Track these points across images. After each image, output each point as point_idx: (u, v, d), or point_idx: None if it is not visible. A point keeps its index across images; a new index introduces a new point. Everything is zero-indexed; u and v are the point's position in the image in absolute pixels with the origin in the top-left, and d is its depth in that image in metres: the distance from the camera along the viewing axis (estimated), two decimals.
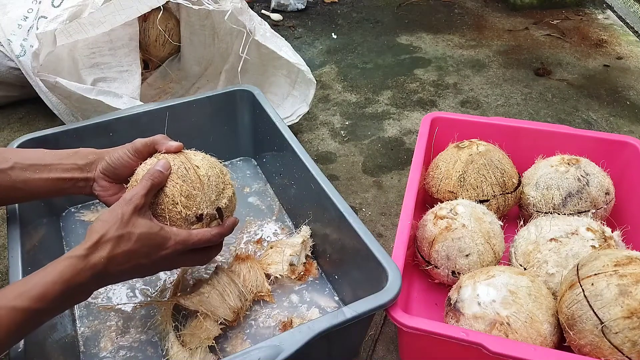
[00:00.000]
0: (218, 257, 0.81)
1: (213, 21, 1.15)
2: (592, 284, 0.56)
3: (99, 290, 0.76)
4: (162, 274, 0.78)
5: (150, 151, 0.64)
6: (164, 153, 0.63)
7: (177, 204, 0.59)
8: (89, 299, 0.74)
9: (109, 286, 0.76)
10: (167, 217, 0.59)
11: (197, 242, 0.59)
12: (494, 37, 1.60)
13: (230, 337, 0.70)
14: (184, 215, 0.59)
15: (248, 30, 0.99)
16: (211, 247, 0.63)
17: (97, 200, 0.89)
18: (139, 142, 0.63)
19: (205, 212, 0.61)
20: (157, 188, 0.58)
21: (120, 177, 0.65)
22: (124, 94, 0.97)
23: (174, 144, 0.63)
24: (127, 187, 0.62)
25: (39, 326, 0.51)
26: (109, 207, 0.65)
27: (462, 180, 0.80)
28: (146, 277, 0.77)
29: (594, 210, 0.77)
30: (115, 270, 0.53)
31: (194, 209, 0.60)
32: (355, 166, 1.07)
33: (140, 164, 0.63)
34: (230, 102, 0.94)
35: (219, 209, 0.63)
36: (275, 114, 0.88)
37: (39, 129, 0.80)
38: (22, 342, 0.53)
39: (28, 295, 0.47)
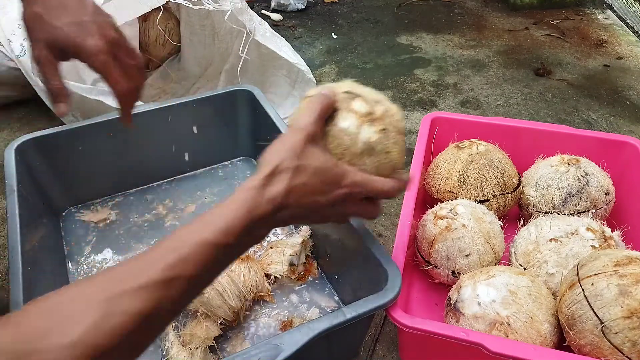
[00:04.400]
0: None
1: (213, 21, 1.15)
2: (592, 284, 0.56)
3: None
4: None
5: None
6: None
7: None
8: None
9: None
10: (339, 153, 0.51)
11: (375, 189, 0.51)
12: (494, 37, 1.60)
13: (230, 337, 0.70)
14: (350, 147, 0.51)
15: (248, 30, 0.99)
16: (378, 203, 0.55)
17: (97, 200, 0.90)
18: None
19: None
20: (325, 113, 0.51)
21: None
22: None
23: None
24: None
25: (226, 266, 0.46)
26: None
27: (462, 180, 0.80)
28: None
29: (594, 210, 0.77)
30: (294, 206, 0.47)
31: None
32: None
33: None
34: (230, 102, 0.94)
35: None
36: (275, 114, 0.88)
37: (39, 129, 0.80)
38: None
39: (214, 229, 0.42)
